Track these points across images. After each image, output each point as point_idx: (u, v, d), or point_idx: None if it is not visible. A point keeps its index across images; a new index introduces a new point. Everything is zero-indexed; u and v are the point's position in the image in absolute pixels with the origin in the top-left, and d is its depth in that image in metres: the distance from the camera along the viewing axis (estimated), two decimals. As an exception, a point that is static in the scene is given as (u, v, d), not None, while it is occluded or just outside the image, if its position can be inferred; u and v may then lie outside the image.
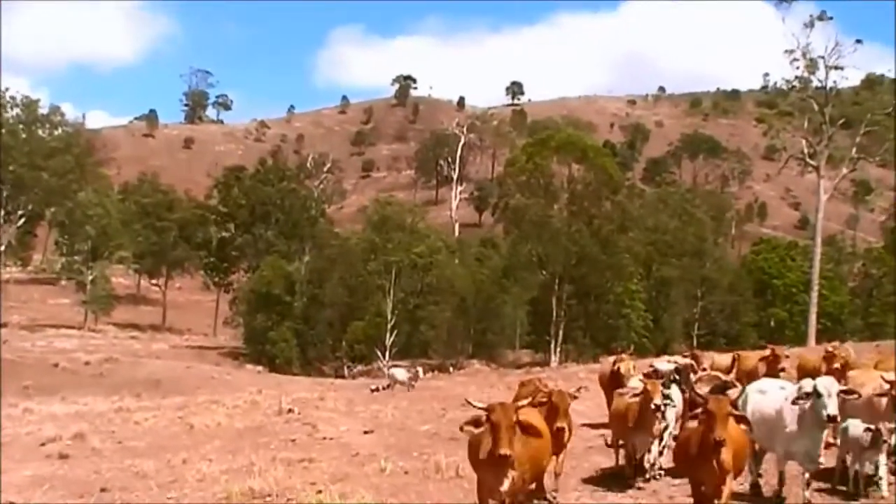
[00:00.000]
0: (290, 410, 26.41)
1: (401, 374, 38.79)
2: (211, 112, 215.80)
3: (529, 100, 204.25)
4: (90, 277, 75.99)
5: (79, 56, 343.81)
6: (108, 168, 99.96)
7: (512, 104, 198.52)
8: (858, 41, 69.07)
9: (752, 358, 23.31)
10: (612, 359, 21.98)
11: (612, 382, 18.73)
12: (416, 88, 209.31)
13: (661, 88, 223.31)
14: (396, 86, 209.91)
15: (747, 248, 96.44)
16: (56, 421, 24.95)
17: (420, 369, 41.08)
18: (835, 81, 67.62)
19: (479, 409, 9.74)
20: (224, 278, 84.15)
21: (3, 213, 78.05)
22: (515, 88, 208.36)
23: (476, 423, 10.04)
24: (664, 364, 16.73)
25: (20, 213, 79.75)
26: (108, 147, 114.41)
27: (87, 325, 75.41)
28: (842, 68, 67.01)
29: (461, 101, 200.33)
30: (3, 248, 79.34)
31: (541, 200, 72.66)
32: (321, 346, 69.93)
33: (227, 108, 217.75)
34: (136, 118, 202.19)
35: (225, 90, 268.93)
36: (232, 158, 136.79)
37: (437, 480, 15.82)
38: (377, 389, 36.68)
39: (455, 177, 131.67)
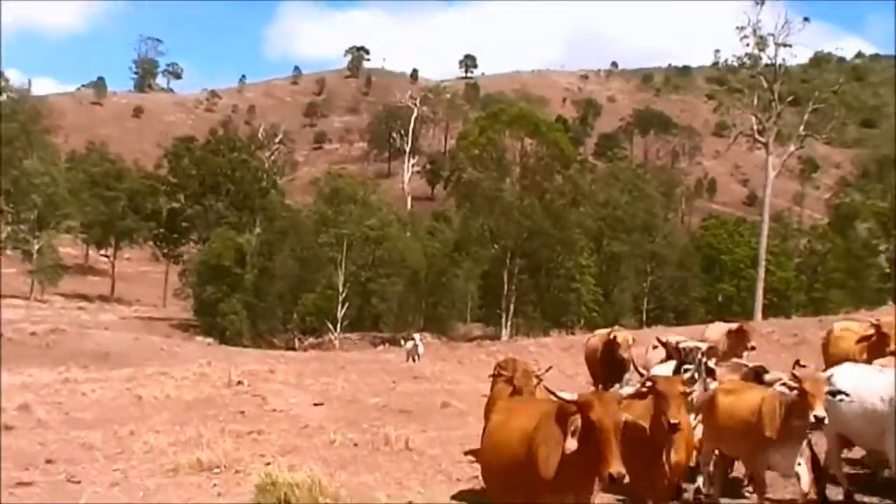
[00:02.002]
0: (239, 382, 26.25)
1: (422, 346, 38.87)
2: (161, 81, 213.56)
3: (482, 73, 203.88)
4: (37, 247, 75.21)
5: (25, 22, 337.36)
6: (55, 136, 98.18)
7: (465, 77, 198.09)
8: (806, 19, 69.58)
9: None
10: (603, 330, 19.43)
11: (607, 357, 16.52)
12: (368, 60, 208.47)
13: (614, 64, 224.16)
14: (349, 57, 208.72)
15: (697, 223, 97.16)
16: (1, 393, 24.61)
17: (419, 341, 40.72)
18: (784, 59, 68.16)
19: (566, 401, 7.16)
20: (174, 249, 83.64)
21: None
22: (468, 62, 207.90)
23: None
24: (688, 341, 12.55)
25: None
26: (55, 115, 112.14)
27: (34, 296, 74.65)
28: (790, 46, 67.58)
29: (414, 73, 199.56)
30: None
31: (493, 174, 72.87)
32: (272, 319, 69.77)
33: (178, 76, 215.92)
34: (83, 86, 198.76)
35: (175, 59, 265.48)
36: (182, 128, 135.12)
37: (387, 452, 15.82)
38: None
39: (407, 149, 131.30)
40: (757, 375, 11.75)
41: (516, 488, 7.44)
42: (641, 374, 9.69)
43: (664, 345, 13.33)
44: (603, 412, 6.72)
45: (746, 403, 10.64)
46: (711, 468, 11.68)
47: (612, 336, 16.47)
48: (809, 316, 50.38)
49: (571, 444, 6.75)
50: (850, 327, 16.30)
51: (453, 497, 12.08)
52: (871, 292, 68.55)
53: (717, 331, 18.52)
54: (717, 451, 11.70)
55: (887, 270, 74.40)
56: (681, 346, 12.24)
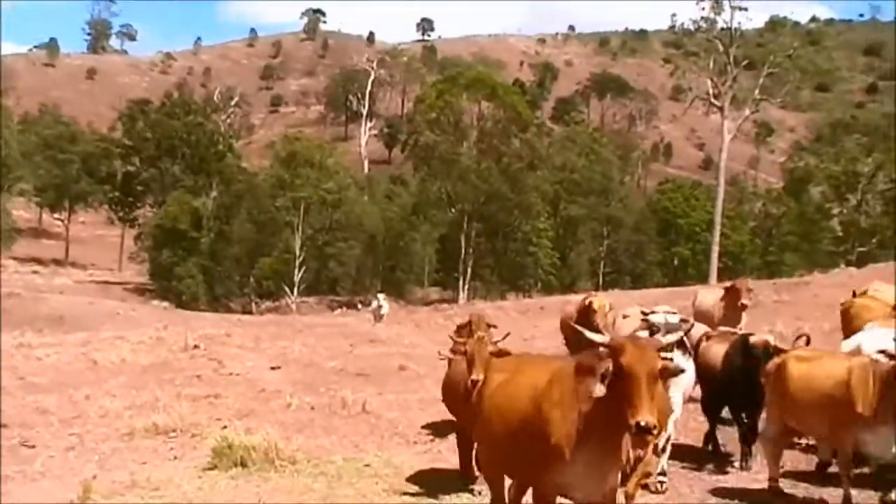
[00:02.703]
0: (195, 346, 26.14)
1: (386, 305, 38.93)
2: (115, 42, 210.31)
3: (440, 37, 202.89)
4: None
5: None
6: (6, 98, 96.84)
7: (422, 41, 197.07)
8: (763, -17, 69.97)
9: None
10: (579, 296, 18.49)
11: (582, 324, 13.23)
12: (325, 23, 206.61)
13: (571, 28, 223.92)
14: (305, 20, 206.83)
15: (653, 187, 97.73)
16: (-47, 358, 24.38)
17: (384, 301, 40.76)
18: (739, 22, 68.41)
19: (597, 343, 6.27)
20: (129, 213, 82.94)
21: None
22: (426, 25, 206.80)
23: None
24: (664, 316, 11.04)
25: None
26: (7, 76, 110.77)
27: (-14, 260, 73.86)
28: (746, 9, 67.94)
29: (371, 36, 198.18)
30: None
31: (450, 138, 72.80)
32: (228, 283, 69.53)
33: (132, 38, 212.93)
34: (35, 47, 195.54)
35: (129, 20, 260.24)
36: (137, 91, 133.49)
37: (344, 416, 15.85)
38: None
39: (364, 113, 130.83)
40: (745, 343, 10.97)
41: (523, 460, 6.68)
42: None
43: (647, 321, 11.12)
44: (637, 358, 5.90)
45: (828, 374, 9.47)
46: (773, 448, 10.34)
47: (587, 302, 15.20)
48: (764, 279, 50.79)
49: (600, 389, 5.92)
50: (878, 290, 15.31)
51: (410, 459, 12.14)
52: (824, 255, 69.31)
53: (710, 297, 17.35)
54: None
55: (840, 234, 75.19)
56: (653, 322, 10.52)
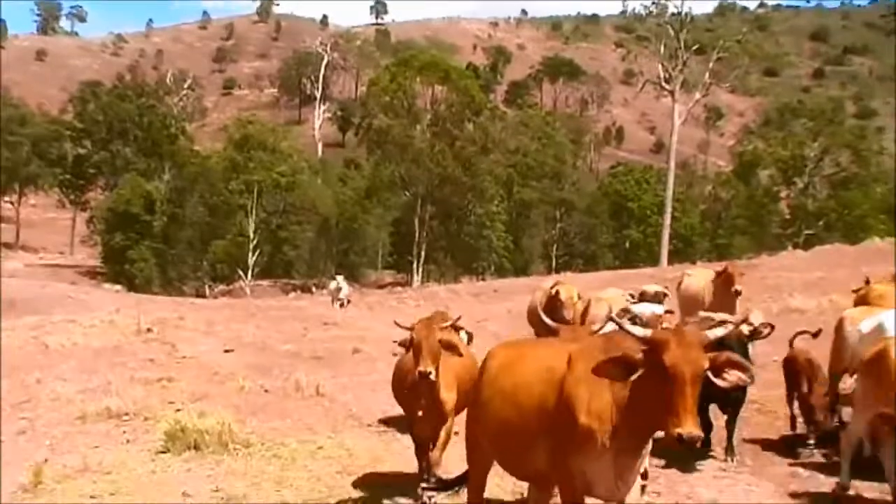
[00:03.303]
0: (148, 330, 25.97)
1: (345, 286, 39.06)
2: (65, 24, 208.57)
3: (393, 20, 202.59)
4: None
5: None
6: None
7: (375, 24, 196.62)
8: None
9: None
10: (548, 282, 16.67)
11: (550, 314, 12.52)
12: (278, 6, 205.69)
13: (524, 12, 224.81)
14: (258, 2, 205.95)
15: (605, 170, 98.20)
16: None
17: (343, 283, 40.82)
18: (689, 8, 69.11)
19: (636, 336, 5.53)
20: (80, 196, 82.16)
21: None
22: (379, 8, 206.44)
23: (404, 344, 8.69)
24: (648, 307, 10.61)
25: None
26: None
27: (-66, 244, 73.22)
28: (696, -5, 68.60)
29: (324, 19, 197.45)
30: None
31: (404, 121, 72.74)
32: (181, 266, 69.02)
33: (83, 20, 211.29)
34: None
35: (79, 1, 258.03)
36: (88, 73, 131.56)
37: (297, 399, 15.84)
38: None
39: (318, 96, 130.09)
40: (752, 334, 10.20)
41: (542, 448, 6.01)
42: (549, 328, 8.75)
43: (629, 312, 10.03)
44: (682, 357, 5.21)
45: None
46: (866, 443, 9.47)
47: (554, 292, 13.92)
48: (714, 261, 51.39)
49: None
50: None
51: (363, 441, 12.18)
52: (772, 238, 70.17)
53: (697, 280, 15.76)
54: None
55: (788, 217, 76.09)
56: (635, 311, 9.96)
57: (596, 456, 5.59)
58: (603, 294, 12.77)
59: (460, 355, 8.71)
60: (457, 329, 9.57)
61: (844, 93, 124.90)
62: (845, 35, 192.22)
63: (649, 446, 5.86)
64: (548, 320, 8.75)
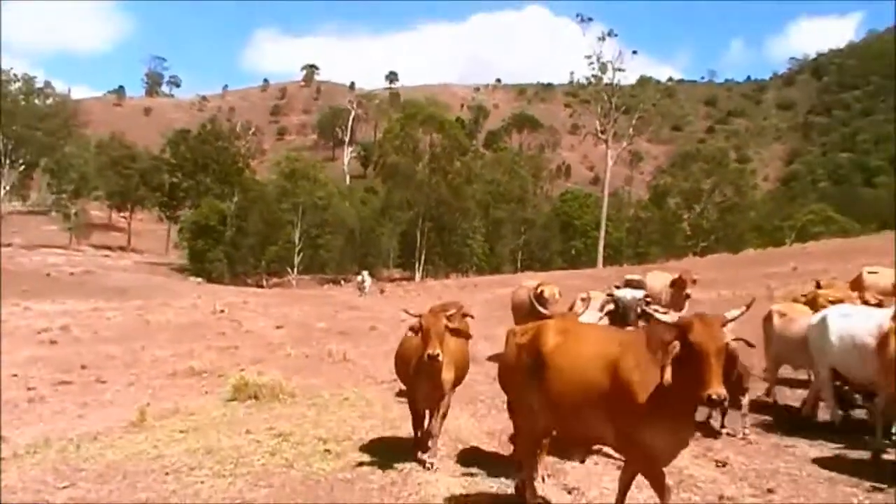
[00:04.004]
0: (221, 311, 26.07)
1: (368, 279, 39.40)
2: (165, 88, 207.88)
3: (402, 85, 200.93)
4: (73, 210, 75.10)
5: (66, 44, 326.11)
6: (86, 129, 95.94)
7: (389, 88, 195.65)
8: (634, 52, 70.88)
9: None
10: (531, 282, 14.39)
11: (534, 311, 9.96)
12: (319, 74, 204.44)
13: (498, 80, 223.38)
14: (304, 72, 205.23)
15: (556, 197, 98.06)
16: (47, 316, 24.12)
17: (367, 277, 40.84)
18: (619, 80, 69.36)
19: (665, 323, 5.23)
20: (173, 213, 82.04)
21: (7, 162, 76.42)
22: (392, 76, 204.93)
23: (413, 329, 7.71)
24: (629, 292, 9.02)
25: (20, 162, 78.43)
26: (88, 113, 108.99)
27: (71, 246, 73.24)
28: (623, 70, 68.88)
29: (352, 84, 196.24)
30: (7, 188, 77.78)
31: (409, 159, 72.81)
32: (245, 264, 68.82)
33: (177, 85, 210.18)
34: (108, 92, 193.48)
35: (176, 72, 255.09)
36: (180, 123, 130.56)
37: (329, 363, 15.93)
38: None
39: (346, 140, 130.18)
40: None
41: (598, 421, 5.48)
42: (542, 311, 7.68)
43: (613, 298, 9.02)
44: (705, 334, 4.93)
45: None
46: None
47: (539, 291, 11.64)
48: (636, 265, 51.59)
49: (668, 375, 4.91)
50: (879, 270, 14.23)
51: (378, 394, 12.28)
52: (678, 248, 70.32)
53: (658, 280, 14.00)
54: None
55: (689, 233, 76.27)
56: (618, 295, 8.89)
57: (657, 429, 5.16)
58: (591, 294, 10.78)
59: (468, 338, 7.98)
60: (465, 316, 8.45)
61: (728, 144, 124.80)
62: (729, 102, 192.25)
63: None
64: (542, 309, 7.74)
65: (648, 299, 8.64)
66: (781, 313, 10.31)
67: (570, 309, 10.65)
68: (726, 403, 5.36)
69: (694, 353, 4.91)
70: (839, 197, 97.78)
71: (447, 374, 7.75)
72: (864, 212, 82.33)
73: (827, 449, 8.47)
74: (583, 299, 10.73)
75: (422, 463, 7.82)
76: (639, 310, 7.50)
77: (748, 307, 5.38)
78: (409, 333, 7.98)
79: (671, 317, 5.27)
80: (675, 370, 4.97)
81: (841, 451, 8.35)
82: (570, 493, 7.09)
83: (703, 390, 4.82)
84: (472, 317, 8.95)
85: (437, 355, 7.27)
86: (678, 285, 12.71)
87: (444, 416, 8.02)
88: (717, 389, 4.82)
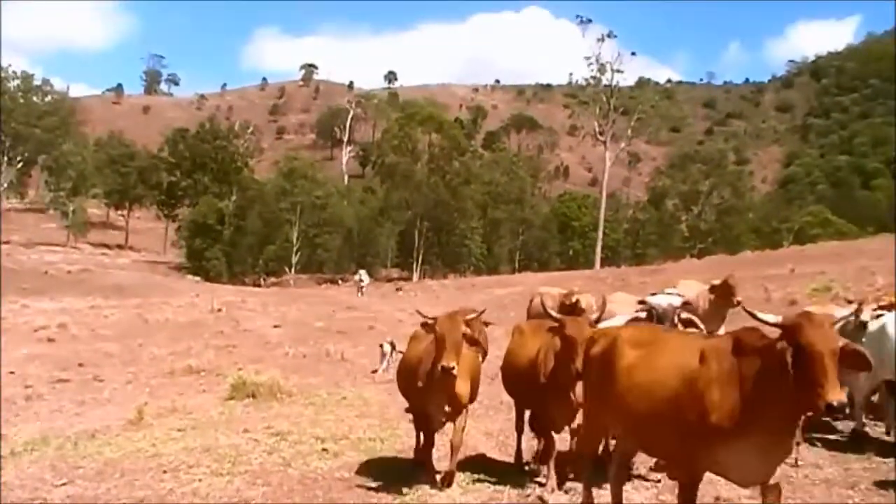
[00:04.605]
0: (219, 310, 26.08)
1: (366, 278, 39.44)
2: (164, 86, 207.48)
3: (401, 85, 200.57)
4: (71, 208, 74.45)
5: (66, 42, 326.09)
6: (85, 127, 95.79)
7: (388, 88, 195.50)
8: (633, 53, 71.01)
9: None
10: (551, 289, 12.89)
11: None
12: (317, 74, 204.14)
13: (497, 80, 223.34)
14: (303, 71, 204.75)
15: (555, 198, 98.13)
16: (45, 314, 24.15)
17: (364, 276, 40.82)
18: (617, 81, 69.39)
19: (770, 324, 4.58)
20: (172, 211, 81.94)
21: (5, 159, 75.77)
22: (391, 76, 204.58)
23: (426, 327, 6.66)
24: (665, 298, 7.41)
25: (19, 159, 77.58)
26: (86, 111, 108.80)
27: (69, 244, 73.06)
28: (622, 72, 68.92)
29: (351, 84, 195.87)
30: (5, 185, 77.18)
31: (408, 160, 72.89)
32: (243, 263, 68.77)
33: (176, 84, 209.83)
34: (107, 90, 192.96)
35: (174, 70, 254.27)
36: (179, 122, 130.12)
37: (327, 362, 15.97)
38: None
39: (345, 140, 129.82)
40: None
41: (667, 431, 4.91)
42: (553, 318, 6.68)
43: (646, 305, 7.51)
44: (817, 335, 4.31)
45: None
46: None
47: (574, 300, 10.20)
48: (633, 266, 51.64)
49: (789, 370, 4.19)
50: None
51: (375, 394, 12.30)
52: (675, 250, 70.41)
53: (692, 290, 11.41)
54: None
55: (686, 234, 76.32)
56: (652, 303, 7.33)
57: (730, 448, 4.57)
58: (614, 297, 10.44)
59: (485, 351, 6.94)
60: (486, 324, 7.20)
61: (727, 146, 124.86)
62: (727, 104, 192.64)
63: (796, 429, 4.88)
64: (553, 314, 6.79)
65: (687, 306, 7.59)
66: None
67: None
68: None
69: (805, 357, 4.30)
70: (837, 199, 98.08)
71: (462, 388, 6.75)
72: (861, 214, 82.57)
73: (823, 451, 8.48)
74: (610, 301, 9.10)
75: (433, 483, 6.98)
76: (675, 318, 6.83)
77: (858, 309, 4.70)
78: (420, 333, 6.98)
79: (776, 317, 4.61)
80: (772, 378, 4.41)
81: (837, 453, 8.37)
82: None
83: (821, 397, 4.25)
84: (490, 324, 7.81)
85: (453, 368, 6.26)
86: (724, 291, 10.77)
87: (463, 429, 7.04)
88: (838, 395, 4.30)
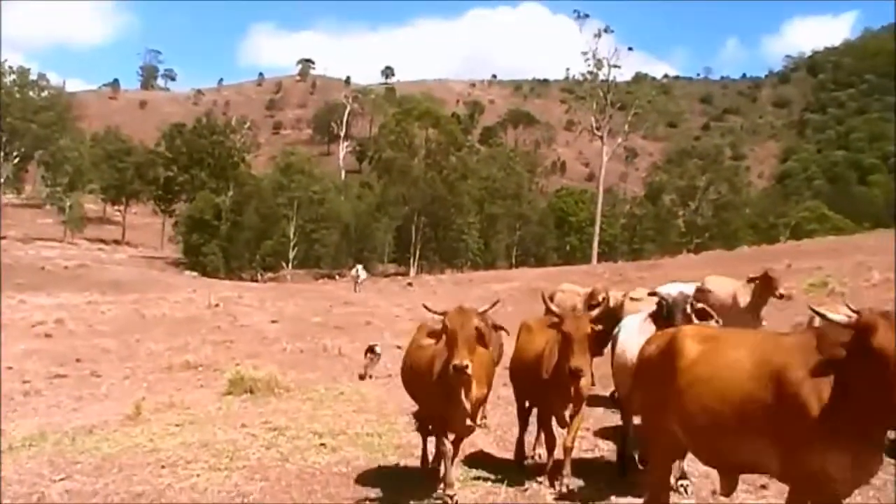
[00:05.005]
0: (216, 305, 26.06)
1: (363, 273, 39.41)
2: (160, 81, 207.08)
3: (398, 80, 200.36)
4: (68, 203, 74.41)
5: (62, 37, 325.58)
6: (81, 122, 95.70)
7: (385, 83, 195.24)
8: (630, 48, 70.95)
9: None
10: (572, 286, 12.40)
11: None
12: (314, 69, 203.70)
13: (494, 76, 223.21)
14: (300, 66, 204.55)
15: (551, 193, 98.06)
16: (42, 310, 24.13)
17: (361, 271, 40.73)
18: (614, 76, 69.28)
19: (841, 324, 4.14)
20: (168, 206, 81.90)
21: (2, 154, 75.60)
22: (388, 71, 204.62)
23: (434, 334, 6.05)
24: (676, 287, 6.79)
25: (15, 154, 77.37)
26: (82, 106, 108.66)
27: (66, 239, 72.95)
28: (619, 67, 68.88)
29: (348, 79, 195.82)
30: (2, 180, 76.87)
31: (405, 155, 72.74)
32: (240, 259, 68.70)
33: (173, 79, 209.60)
34: (103, 85, 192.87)
35: (171, 65, 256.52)
36: (176, 117, 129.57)
37: (324, 357, 15.96)
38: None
39: (342, 135, 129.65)
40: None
41: (754, 442, 4.38)
42: (554, 314, 6.41)
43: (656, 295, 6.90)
44: (892, 336, 3.83)
45: None
46: None
47: (602, 297, 9.03)
48: (630, 261, 51.69)
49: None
50: None
51: (373, 389, 12.30)
52: (672, 245, 70.44)
53: (723, 286, 10.95)
54: None
55: (683, 230, 76.35)
56: (662, 293, 6.63)
57: (837, 453, 4.06)
58: (635, 294, 9.87)
59: (486, 346, 6.17)
60: (497, 328, 6.68)
61: (724, 141, 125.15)
62: (724, 100, 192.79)
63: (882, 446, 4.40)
64: (553, 308, 6.48)
65: (698, 296, 6.93)
66: None
67: (620, 308, 9.47)
68: None
69: (879, 362, 3.86)
70: (834, 195, 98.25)
71: (478, 390, 6.17)
72: (858, 210, 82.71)
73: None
74: (633, 299, 9.53)
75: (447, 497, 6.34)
76: (688, 308, 6.35)
77: None
78: (428, 332, 6.34)
79: (846, 318, 4.15)
80: (855, 383, 4.00)
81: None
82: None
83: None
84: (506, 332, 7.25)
85: (466, 367, 5.69)
86: (766, 284, 9.86)
87: (459, 445, 6.63)
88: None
